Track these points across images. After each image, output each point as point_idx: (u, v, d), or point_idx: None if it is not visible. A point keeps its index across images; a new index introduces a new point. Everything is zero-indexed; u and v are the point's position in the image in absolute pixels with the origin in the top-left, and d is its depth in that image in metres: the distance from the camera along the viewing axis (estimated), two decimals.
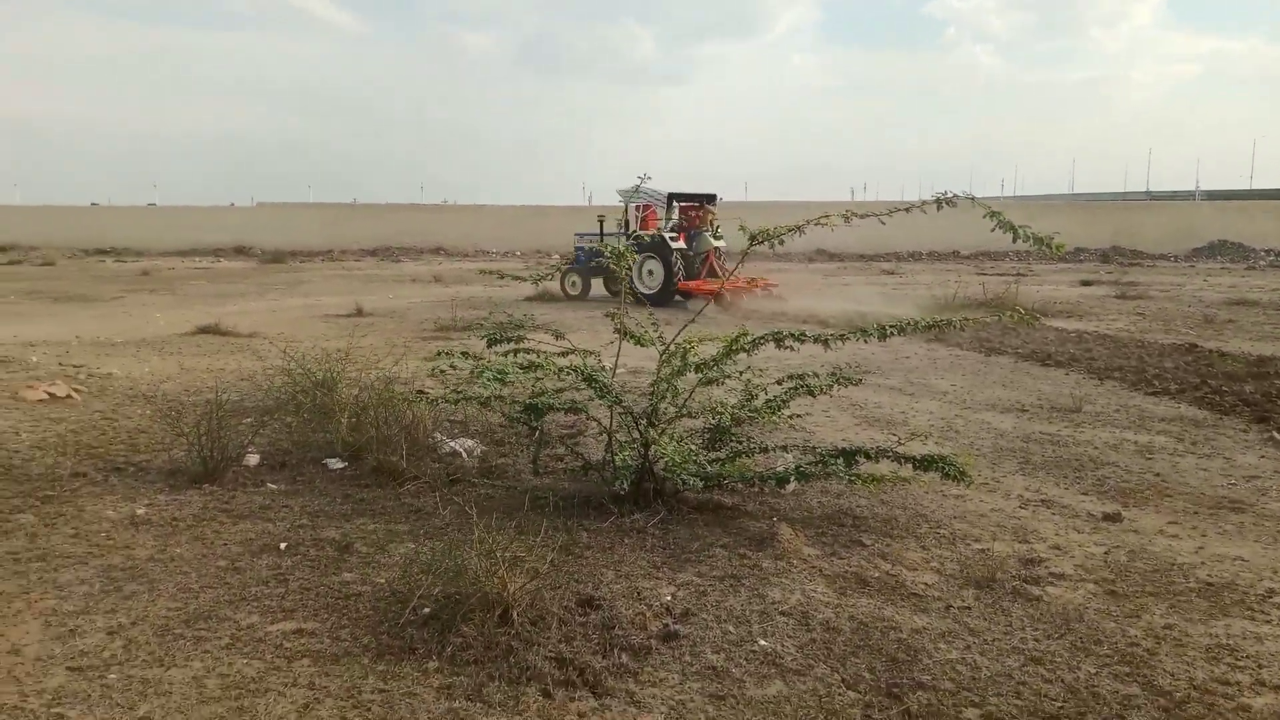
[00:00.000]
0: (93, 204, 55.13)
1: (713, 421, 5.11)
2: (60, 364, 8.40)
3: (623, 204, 18.00)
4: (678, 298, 16.69)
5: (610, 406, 4.87)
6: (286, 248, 37.25)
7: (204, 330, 11.92)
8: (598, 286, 18.41)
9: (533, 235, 38.66)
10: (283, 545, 4.29)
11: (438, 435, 6.22)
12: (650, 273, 17.11)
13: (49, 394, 6.75)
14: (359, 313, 15.14)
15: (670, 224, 17.73)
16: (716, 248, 17.78)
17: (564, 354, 5.21)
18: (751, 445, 5.11)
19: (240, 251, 38.42)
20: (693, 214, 18.08)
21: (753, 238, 4.88)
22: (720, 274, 17.16)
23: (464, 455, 5.97)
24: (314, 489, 5.24)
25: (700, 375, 4.94)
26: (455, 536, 4.15)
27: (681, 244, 17.18)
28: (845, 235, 31.84)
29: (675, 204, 17.92)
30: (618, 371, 5.68)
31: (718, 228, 17.82)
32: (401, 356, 10.21)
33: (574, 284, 18.52)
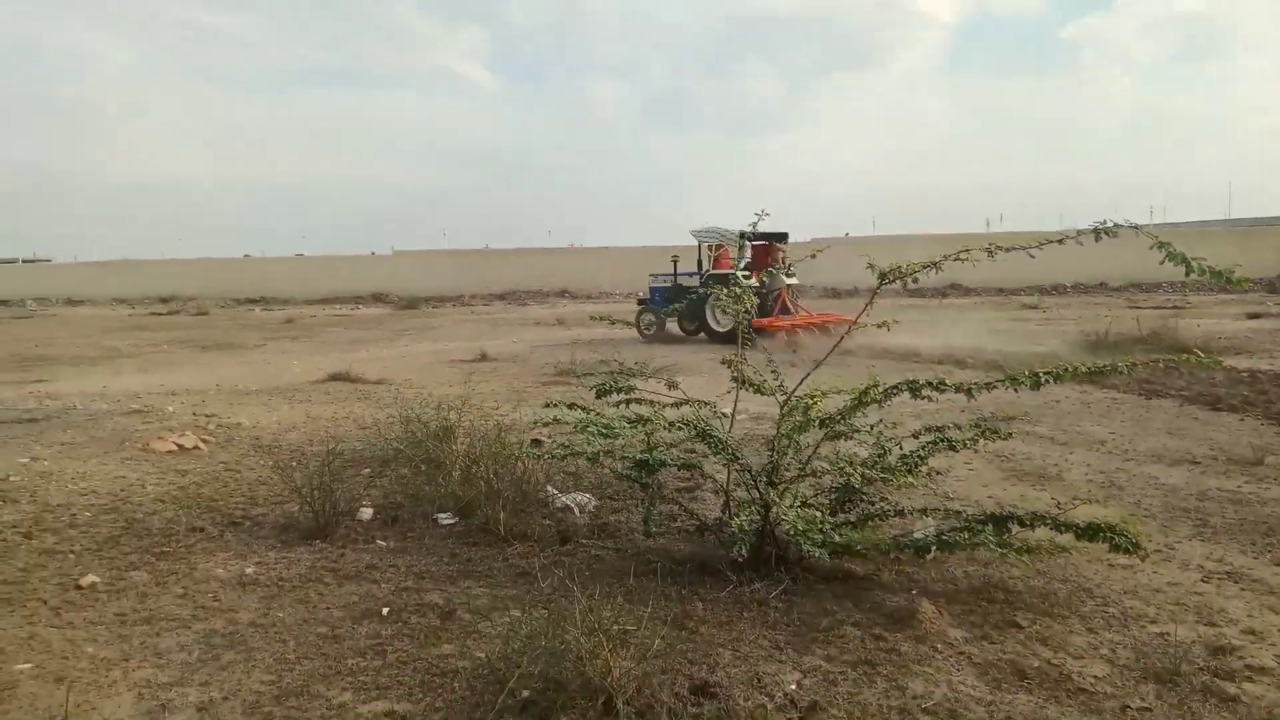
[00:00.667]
0: (245, 255, 58.86)
1: (840, 480, 4.66)
2: (194, 413, 8.66)
3: (697, 243, 18.69)
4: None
5: (727, 463, 4.50)
6: (420, 294, 38.69)
7: (334, 377, 12.22)
8: (673, 324, 19.02)
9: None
10: (385, 610, 4.10)
11: (549, 489, 5.99)
12: (724, 311, 17.20)
13: (178, 445, 6.90)
14: (483, 357, 15.31)
15: (743, 262, 17.82)
16: (789, 285, 18.06)
17: (678, 404, 4.90)
18: (885, 507, 4.63)
19: (378, 298, 40.15)
20: (763, 252, 18.27)
21: (882, 276, 4.45)
22: (793, 311, 17.82)
23: (575, 510, 5.71)
24: (422, 546, 5.07)
25: (826, 430, 4.52)
26: (560, 606, 3.85)
27: (754, 282, 17.13)
28: (984, 269, 30.56)
29: (747, 243, 18.01)
30: (738, 419, 5.31)
31: (790, 265, 17.77)
32: (519, 403, 10.14)
33: (649, 324, 19.01)
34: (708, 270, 18.32)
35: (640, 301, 19.92)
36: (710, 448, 4.44)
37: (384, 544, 5.12)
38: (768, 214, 5.47)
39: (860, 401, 4.46)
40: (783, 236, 18.52)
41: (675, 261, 19.26)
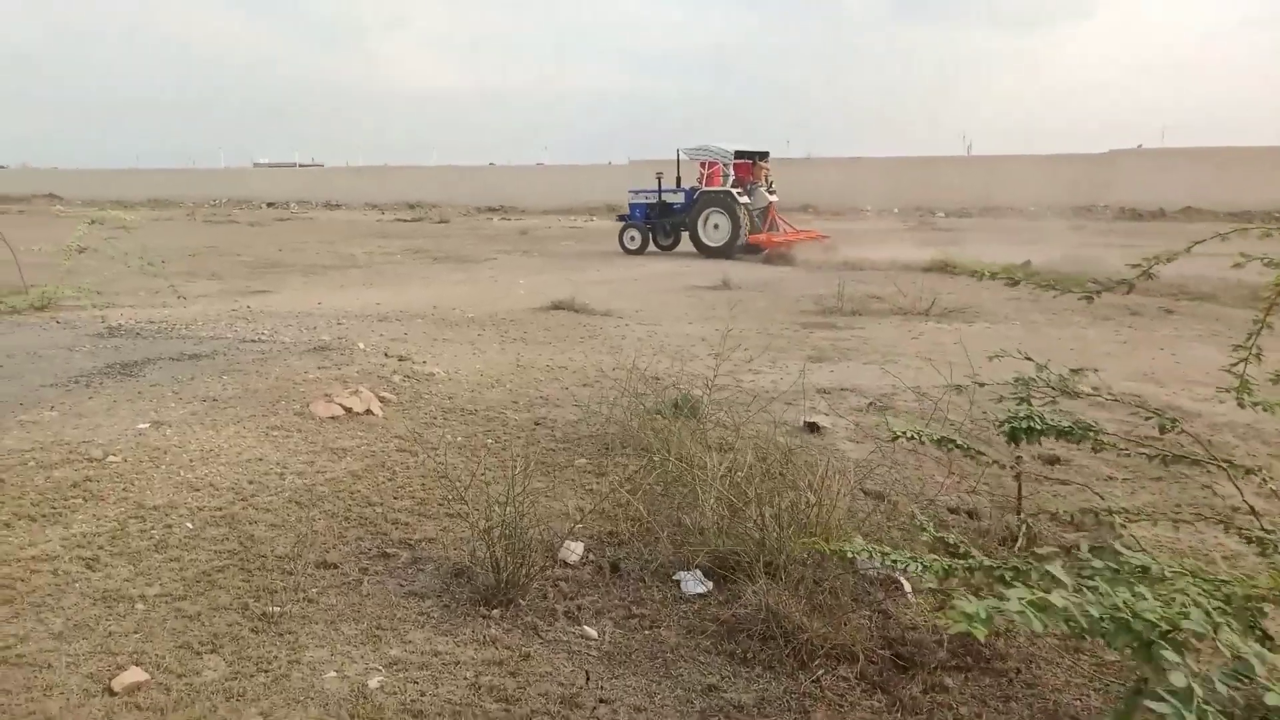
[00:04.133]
0: (490, 164, 59.71)
1: None
2: (385, 355, 7.11)
3: (680, 160, 19.06)
4: (740, 254, 17.65)
5: None
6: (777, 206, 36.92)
7: (557, 306, 10.50)
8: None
9: (912, 190, 34.77)
10: None
11: (858, 542, 3.72)
12: (716, 226, 17.97)
13: (344, 408, 5.26)
14: (724, 284, 13.13)
15: (729, 180, 18.22)
16: (773, 202, 18.71)
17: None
18: None
19: (612, 210, 38.88)
20: (747, 169, 18.70)
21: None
22: (779, 227, 18.59)
23: (907, 590, 3.43)
24: (653, 646, 3.02)
25: None
26: None
27: (746, 199, 17.94)
28: None
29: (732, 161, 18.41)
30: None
31: (771, 183, 18.74)
32: (779, 355, 7.88)
33: (632, 239, 19.41)
34: (695, 187, 18.72)
35: (621, 218, 20.59)
36: None
37: (592, 634, 3.10)
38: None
39: None
40: (765, 154, 19.18)
41: (659, 178, 19.63)
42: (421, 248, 21.08)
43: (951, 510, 4.25)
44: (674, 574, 3.52)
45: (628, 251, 19.19)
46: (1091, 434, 2.95)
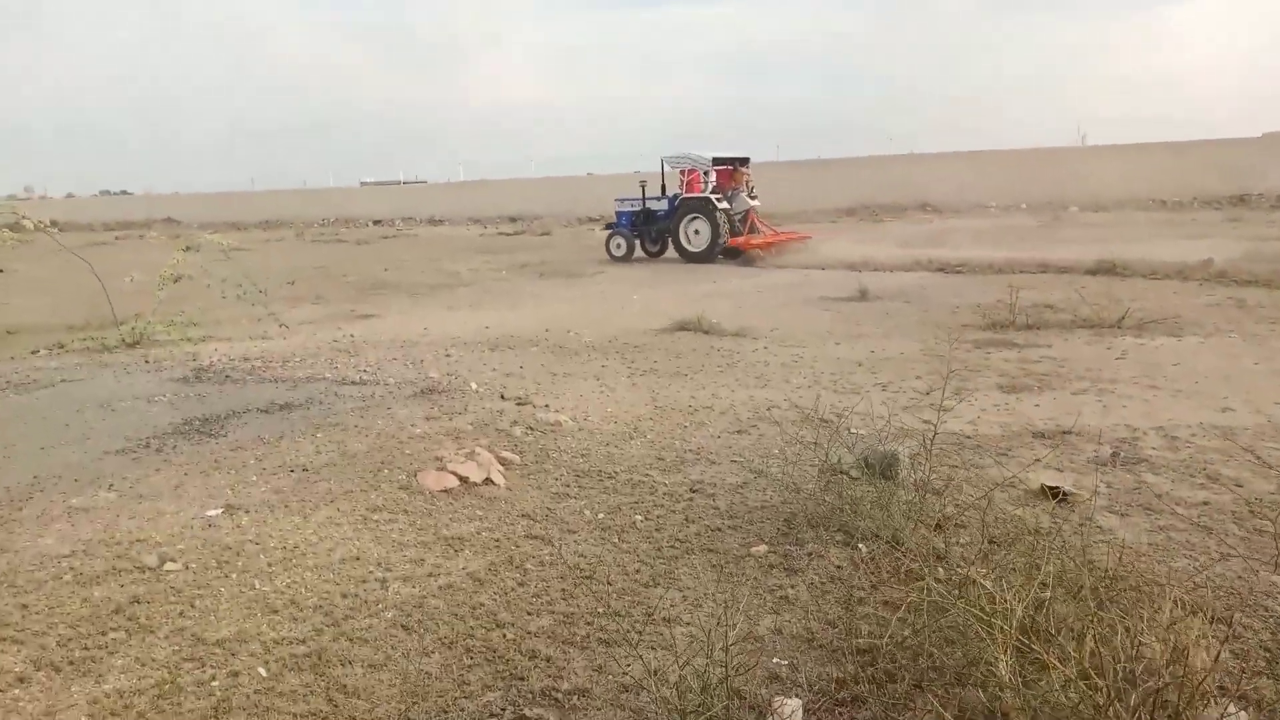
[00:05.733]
0: (589, 174, 59.21)
1: None
2: (502, 397, 6.12)
3: (662, 169, 19.27)
4: (721, 256, 18.14)
5: None
6: (763, 211, 35.54)
7: (683, 327, 9.39)
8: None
9: (1040, 184, 32.36)
10: None
11: None
12: (697, 232, 18.37)
13: (459, 478, 4.24)
14: (862, 295, 11.78)
15: (709, 186, 18.87)
16: (754, 206, 19.01)
17: None
18: None
19: None
20: (727, 175, 19.11)
21: None
22: (760, 230, 18.94)
23: None
24: None
25: None
26: None
27: (725, 205, 18.34)
28: None
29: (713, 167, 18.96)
30: None
31: (752, 188, 19.18)
32: (961, 383, 6.57)
33: (618, 245, 19.67)
34: (678, 194, 19.05)
35: (608, 226, 20.97)
36: None
37: None
38: None
39: None
40: (745, 160, 19.45)
41: (643, 186, 19.82)
42: (526, 262, 20.33)
43: None
44: None
45: (614, 258, 19.65)
46: None
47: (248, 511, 3.95)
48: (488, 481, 4.33)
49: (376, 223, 46.71)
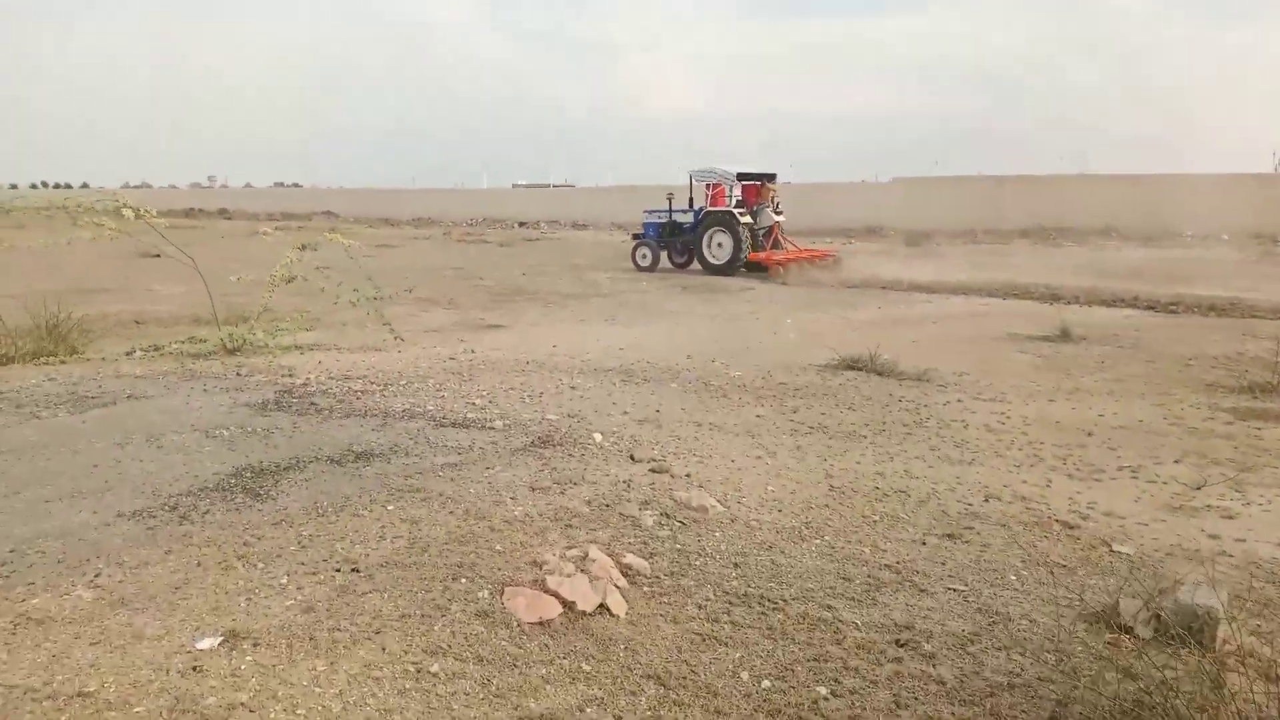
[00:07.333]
0: None
1: None
2: (632, 458, 4.84)
3: (689, 183, 19.51)
4: (743, 270, 18.19)
5: None
6: (919, 228, 33.16)
7: (852, 366, 7.88)
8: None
9: (1225, 211, 28.59)
10: None
11: None
12: (719, 245, 18.47)
13: (563, 603, 2.97)
14: (1065, 336, 9.92)
15: (735, 201, 18.95)
16: (778, 222, 19.15)
17: None
18: None
19: (872, 232, 35.51)
20: (753, 191, 19.28)
21: None
22: (784, 246, 19.15)
23: None
24: None
25: None
26: None
27: (748, 219, 18.52)
28: None
29: (738, 182, 19.15)
30: None
31: (778, 203, 19.31)
32: (1234, 469, 4.84)
33: (644, 256, 19.87)
34: (704, 208, 19.20)
35: (635, 236, 20.98)
36: None
37: None
38: None
39: None
40: (772, 176, 19.71)
41: (670, 199, 20.11)
42: (668, 272, 19.18)
43: None
44: None
45: (640, 269, 19.74)
46: None
47: (256, 644, 2.77)
48: (602, 609, 3.03)
49: (523, 224, 46.74)
